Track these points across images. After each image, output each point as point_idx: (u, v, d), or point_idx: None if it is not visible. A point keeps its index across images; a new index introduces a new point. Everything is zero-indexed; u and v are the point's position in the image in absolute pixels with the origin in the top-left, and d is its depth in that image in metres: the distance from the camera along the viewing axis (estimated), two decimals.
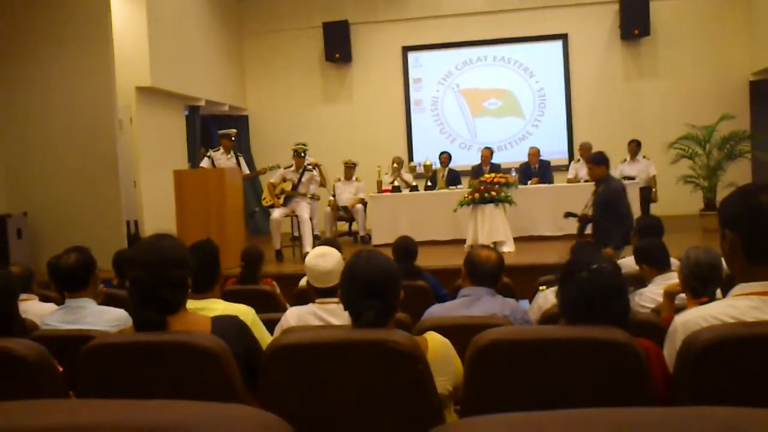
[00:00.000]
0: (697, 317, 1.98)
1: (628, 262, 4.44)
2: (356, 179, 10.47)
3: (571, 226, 9.21)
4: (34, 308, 3.72)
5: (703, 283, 3.05)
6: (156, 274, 2.12)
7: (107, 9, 8.76)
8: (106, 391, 2.10)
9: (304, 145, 9.42)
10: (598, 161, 6.82)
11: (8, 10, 8.75)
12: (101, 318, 3.20)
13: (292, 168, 8.96)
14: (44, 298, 4.22)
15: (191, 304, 2.40)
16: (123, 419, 0.88)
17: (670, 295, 3.28)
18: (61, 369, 2.29)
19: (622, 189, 6.72)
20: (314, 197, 8.97)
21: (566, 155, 12.19)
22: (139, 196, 9.81)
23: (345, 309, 2.27)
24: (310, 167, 9.04)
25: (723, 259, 2.38)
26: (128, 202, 9.29)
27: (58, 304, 3.69)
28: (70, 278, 3.32)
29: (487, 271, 3.36)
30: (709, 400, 1.85)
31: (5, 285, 2.46)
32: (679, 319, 2.07)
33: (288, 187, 8.85)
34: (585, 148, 10.32)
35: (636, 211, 8.93)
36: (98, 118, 8.71)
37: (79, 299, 3.29)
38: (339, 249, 3.60)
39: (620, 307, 2.10)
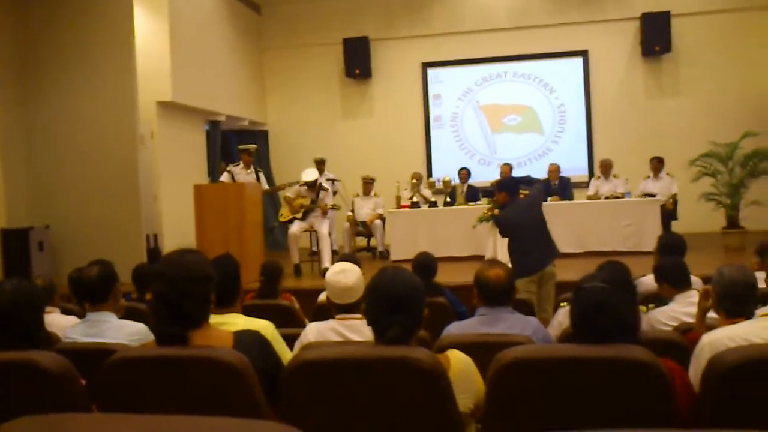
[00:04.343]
0: (723, 337, 1.96)
1: (647, 281, 4.40)
2: (375, 194, 10.48)
3: (593, 243, 9.19)
4: (56, 321, 3.75)
5: (739, 304, 2.85)
6: (180, 289, 2.13)
7: (130, 25, 8.88)
8: (128, 404, 2.11)
9: (321, 160, 9.45)
10: (498, 188, 6.41)
11: (33, 26, 8.89)
12: (121, 332, 3.22)
13: (307, 187, 8.99)
14: (65, 311, 4.25)
15: (212, 318, 2.41)
16: None
17: (703, 310, 3.15)
18: (83, 382, 2.30)
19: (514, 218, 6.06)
20: (334, 207, 9.00)
21: (586, 172, 12.14)
22: (159, 210, 9.88)
23: (369, 324, 2.27)
24: (325, 185, 9.07)
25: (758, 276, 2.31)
26: (148, 216, 9.36)
27: (79, 317, 3.71)
28: (91, 291, 3.34)
29: (500, 291, 3.31)
30: (735, 422, 1.82)
31: (32, 297, 2.48)
32: (707, 338, 2.05)
33: (307, 201, 8.88)
34: (605, 165, 10.30)
35: (658, 228, 8.89)
36: (120, 132, 8.81)
37: (101, 313, 3.31)
38: (358, 265, 3.60)
39: (613, 323, 2.11)
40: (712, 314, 3.10)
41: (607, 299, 2.15)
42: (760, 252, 4.73)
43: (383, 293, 2.24)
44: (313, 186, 8.89)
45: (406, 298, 2.23)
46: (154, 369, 2.12)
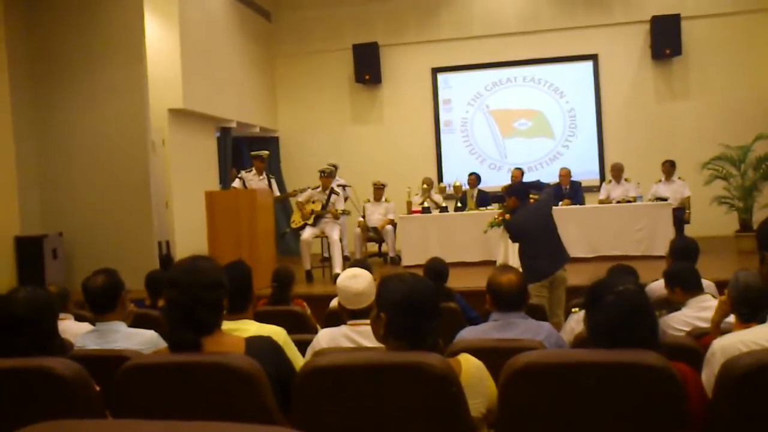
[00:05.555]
0: (736, 341, 1.95)
1: (656, 286, 4.38)
2: (386, 200, 10.49)
3: (604, 248, 9.16)
4: (70, 328, 3.76)
5: (753, 309, 2.84)
6: (193, 296, 2.14)
7: (141, 33, 8.93)
8: (142, 411, 2.12)
9: (333, 166, 9.50)
10: (508, 193, 6.45)
11: (45, 34, 8.95)
12: (132, 341, 3.20)
13: (319, 189, 9.01)
14: (79, 318, 4.27)
15: (224, 324, 2.42)
16: None
17: (721, 315, 3.12)
18: (98, 388, 2.31)
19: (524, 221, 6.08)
20: (345, 212, 9.02)
21: (597, 176, 12.10)
22: (171, 217, 9.92)
23: (393, 332, 2.23)
24: (337, 190, 9.09)
25: None
26: (160, 222, 9.40)
27: (92, 323, 3.73)
28: (97, 300, 3.33)
29: (513, 296, 3.29)
30: (749, 427, 1.81)
31: (46, 304, 2.50)
32: (718, 343, 2.04)
33: (317, 207, 8.90)
34: (616, 169, 10.27)
35: (670, 232, 8.84)
36: (132, 139, 8.85)
37: (109, 323, 3.30)
38: (370, 270, 3.60)
39: (648, 328, 2.07)
40: (729, 319, 3.07)
41: (643, 302, 2.10)
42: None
43: (413, 300, 2.22)
44: (328, 176, 8.95)
45: (432, 303, 2.24)
46: (167, 375, 2.13)
